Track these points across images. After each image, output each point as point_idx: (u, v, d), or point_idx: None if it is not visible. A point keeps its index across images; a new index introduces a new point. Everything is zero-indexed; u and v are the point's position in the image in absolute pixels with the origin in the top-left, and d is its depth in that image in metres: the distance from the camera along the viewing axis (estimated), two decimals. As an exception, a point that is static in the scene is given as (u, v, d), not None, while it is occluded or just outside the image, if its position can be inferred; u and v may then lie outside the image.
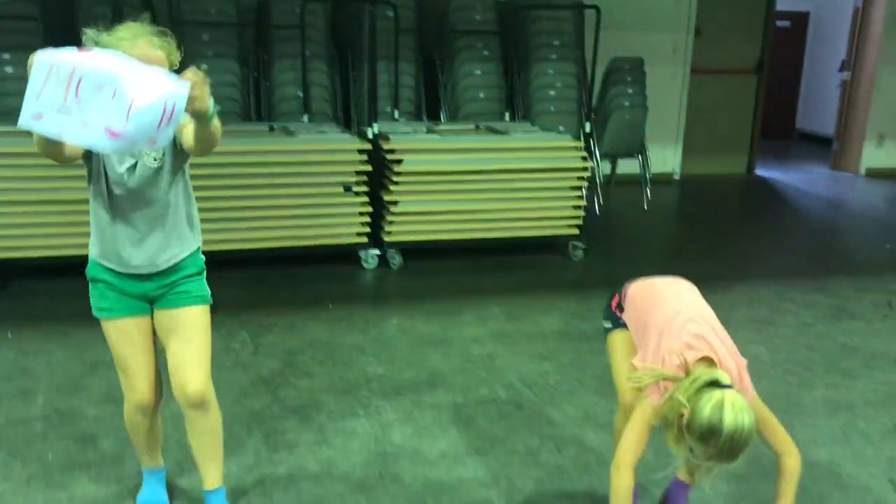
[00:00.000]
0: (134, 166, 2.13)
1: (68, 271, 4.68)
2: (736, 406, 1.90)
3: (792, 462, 2.16)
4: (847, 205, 7.59)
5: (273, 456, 2.83)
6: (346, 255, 5.01)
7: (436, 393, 3.37)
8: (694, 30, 7.89)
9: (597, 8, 5.82)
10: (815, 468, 2.84)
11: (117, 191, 2.14)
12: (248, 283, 4.63)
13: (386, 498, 2.61)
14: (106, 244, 2.19)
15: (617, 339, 2.42)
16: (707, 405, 1.89)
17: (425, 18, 6.18)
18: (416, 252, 5.09)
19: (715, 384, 1.94)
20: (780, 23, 9.37)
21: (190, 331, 2.26)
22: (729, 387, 1.95)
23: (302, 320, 4.13)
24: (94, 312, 2.30)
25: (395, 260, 5.02)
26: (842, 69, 8.94)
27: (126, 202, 2.15)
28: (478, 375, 3.55)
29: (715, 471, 2.00)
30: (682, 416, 1.93)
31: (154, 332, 2.31)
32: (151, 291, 2.25)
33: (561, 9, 6.51)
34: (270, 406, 3.21)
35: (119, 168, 2.12)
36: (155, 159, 2.15)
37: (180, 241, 2.25)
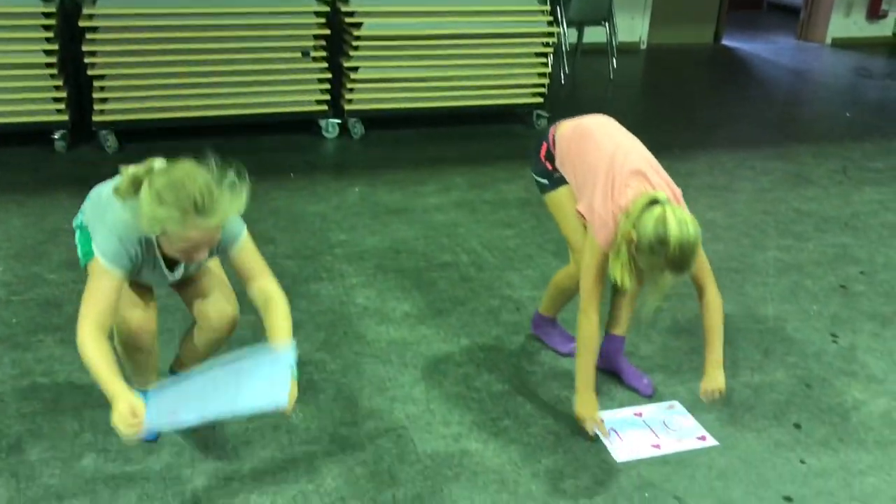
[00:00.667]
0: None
1: (20, 140, 4.57)
2: (678, 215, 2.00)
3: (715, 298, 2.26)
4: (811, 74, 7.57)
5: (240, 318, 2.86)
6: (306, 125, 4.92)
7: (399, 258, 3.41)
8: None
9: None
10: (762, 323, 2.97)
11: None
12: (206, 151, 4.53)
13: (351, 354, 2.68)
14: None
15: (559, 196, 2.44)
16: (650, 221, 1.99)
17: None
18: (377, 121, 5.01)
19: (654, 202, 2.02)
20: None
21: (208, 269, 2.23)
22: (667, 202, 2.03)
23: (263, 189, 4.09)
24: (84, 257, 2.14)
25: (356, 129, 4.94)
26: (814, -66, 8.71)
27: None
28: (440, 242, 3.59)
29: (664, 287, 2.08)
30: (631, 241, 2.02)
31: None
32: None
33: None
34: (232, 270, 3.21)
35: (170, 277, 2.10)
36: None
37: None
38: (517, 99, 5.21)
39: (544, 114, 5.25)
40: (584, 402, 2.26)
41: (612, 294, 2.51)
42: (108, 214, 1.99)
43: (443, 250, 3.50)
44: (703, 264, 2.22)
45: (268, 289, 2.11)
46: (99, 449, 2.17)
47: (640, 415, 2.40)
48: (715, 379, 2.23)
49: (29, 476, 2.07)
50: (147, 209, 1.84)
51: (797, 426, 2.40)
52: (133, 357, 2.17)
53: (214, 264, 2.30)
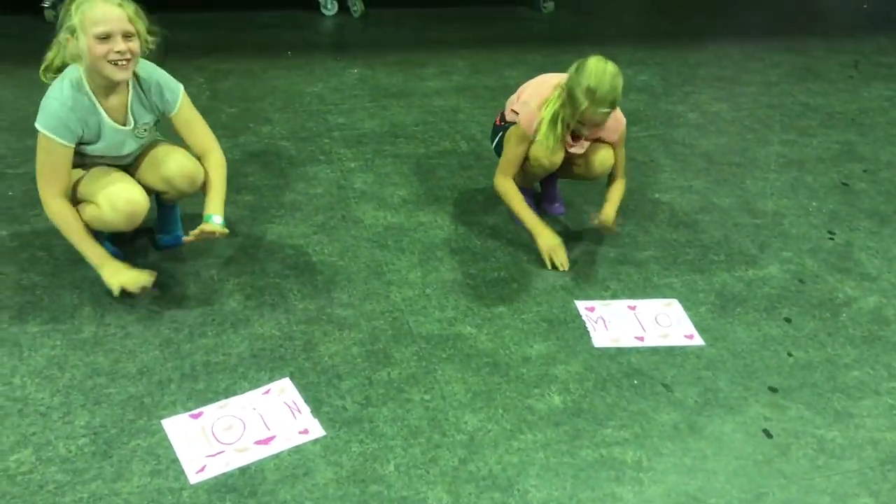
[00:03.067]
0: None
1: (8, 8, 4.40)
2: (597, 59, 2.38)
3: (623, 182, 2.70)
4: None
5: (236, 198, 2.86)
6: (304, 0, 4.74)
7: (397, 143, 3.37)
8: None
9: None
10: (760, 218, 2.97)
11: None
12: (201, 25, 4.40)
13: (348, 238, 2.68)
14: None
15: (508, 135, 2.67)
16: (575, 72, 2.38)
17: None
18: (378, -1, 4.84)
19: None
20: None
21: (154, 143, 2.34)
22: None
23: (260, 67, 3.99)
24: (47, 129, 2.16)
25: (356, 6, 4.77)
26: None
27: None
28: (440, 128, 3.53)
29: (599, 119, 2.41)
30: (560, 96, 2.44)
31: None
32: None
33: None
34: (232, 150, 3.18)
35: (123, 130, 2.21)
36: (145, 131, 2.26)
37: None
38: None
39: (551, -4, 5.06)
40: (545, 235, 2.58)
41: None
42: (44, 99, 2.12)
43: (442, 136, 3.45)
44: (622, 159, 2.67)
45: (207, 146, 2.34)
46: (98, 322, 2.20)
47: (634, 308, 2.43)
48: (607, 214, 2.59)
49: (31, 346, 2.11)
50: (62, 16, 2.04)
51: (787, 320, 2.43)
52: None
53: (158, 142, 2.39)
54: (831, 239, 2.87)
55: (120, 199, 2.17)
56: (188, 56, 3.91)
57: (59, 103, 2.09)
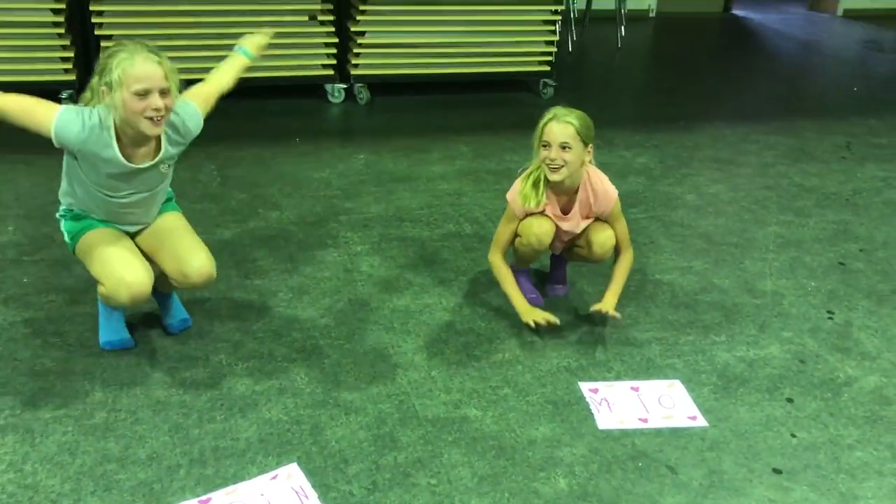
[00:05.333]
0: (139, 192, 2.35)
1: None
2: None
3: (629, 256, 2.78)
4: (820, 46, 7.53)
5: (245, 282, 2.93)
6: (312, 89, 4.92)
7: (403, 227, 3.45)
8: None
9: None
10: (760, 298, 3.02)
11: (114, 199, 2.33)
12: (212, 114, 4.53)
13: (354, 321, 2.74)
14: (92, 210, 2.38)
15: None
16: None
17: None
18: (383, 87, 5.02)
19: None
20: None
21: (177, 228, 2.45)
22: None
23: (269, 154, 4.13)
24: (71, 241, 2.38)
25: (362, 95, 4.95)
26: None
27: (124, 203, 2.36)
28: (444, 211, 3.63)
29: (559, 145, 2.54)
30: (536, 164, 2.63)
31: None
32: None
33: None
34: (241, 236, 3.27)
35: (126, 165, 2.26)
36: (168, 167, 2.37)
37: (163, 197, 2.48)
38: (524, 67, 5.21)
39: (551, 82, 5.25)
40: (525, 309, 2.69)
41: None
42: None
43: (447, 220, 3.54)
44: (623, 232, 2.75)
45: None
46: (109, 408, 2.24)
47: (637, 389, 2.46)
48: (608, 302, 2.67)
49: (43, 432, 2.14)
50: (101, 67, 2.14)
51: (790, 400, 2.46)
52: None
53: (182, 225, 2.47)
54: (830, 318, 2.92)
55: (123, 284, 2.24)
56: (199, 144, 3.98)
57: (79, 123, 2.15)
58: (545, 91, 5.27)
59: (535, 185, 2.64)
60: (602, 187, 2.65)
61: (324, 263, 3.11)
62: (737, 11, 8.39)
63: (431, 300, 2.89)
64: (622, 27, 6.69)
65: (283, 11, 4.60)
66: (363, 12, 4.69)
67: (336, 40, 4.74)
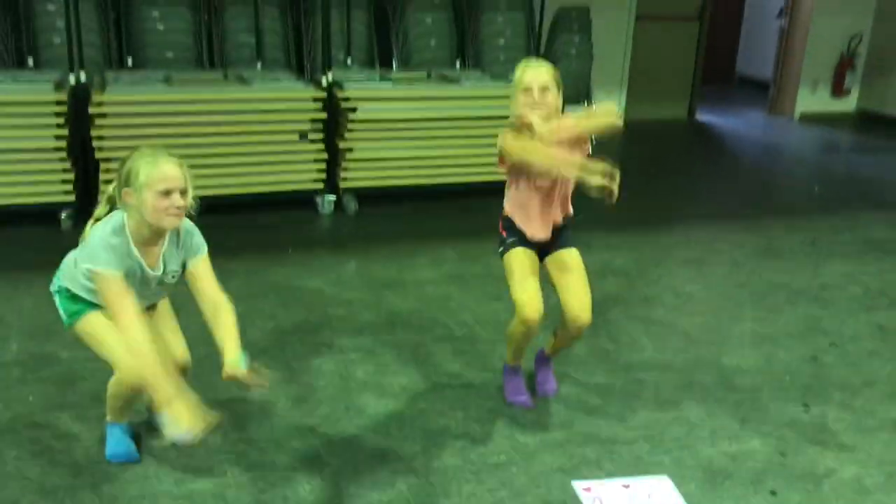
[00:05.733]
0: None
1: (28, 220, 4.75)
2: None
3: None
4: (781, 148, 7.95)
5: (244, 394, 3.02)
6: (302, 201, 5.14)
7: (395, 332, 3.59)
8: (639, -25, 8.05)
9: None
10: (739, 393, 3.16)
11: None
12: (207, 230, 4.70)
13: (352, 428, 2.83)
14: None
15: (510, 257, 2.84)
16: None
17: (376, -36, 6.21)
18: (370, 197, 5.25)
19: None
20: (721, -32, 9.57)
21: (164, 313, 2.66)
22: None
23: (262, 266, 4.28)
24: (69, 319, 2.52)
25: (351, 205, 5.17)
26: (779, 15, 9.22)
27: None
28: (433, 315, 3.78)
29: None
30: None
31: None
32: None
33: (510, -44, 6.58)
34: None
35: (152, 273, 2.48)
36: (173, 277, 2.54)
37: None
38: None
39: (529, 190, 5.52)
40: (568, 161, 2.66)
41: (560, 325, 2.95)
42: (86, 248, 2.39)
43: (436, 324, 3.69)
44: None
45: (217, 299, 2.51)
46: (119, 522, 2.30)
47: (628, 486, 2.56)
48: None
49: (53, 549, 2.19)
50: (124, 174, 2.34)
51: (773, 493, 2.56)
52: (126, 396, 2.51)
53: (168, 310, 2.67)
54: (806, 412, 3.06)
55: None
56: (196, 257, 4.20)
57: (102, 243, 2.34)
58: (524, 198, 5.52)
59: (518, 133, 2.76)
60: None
61: (320, 372, 3.22)
62: (700, 117, 8.86)
63: (426, 405, 3.00)
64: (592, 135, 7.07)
65: (276, 131, 4.86)
66: (351, 130, 4.97)
67: (326, 156, 4.99)
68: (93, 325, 2.48)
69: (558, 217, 2.90)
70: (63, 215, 4.60)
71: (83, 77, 4.67)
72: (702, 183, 6.45)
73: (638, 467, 2.67)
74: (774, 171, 7.21)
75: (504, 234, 2.91)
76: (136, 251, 2.40)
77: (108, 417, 2.61)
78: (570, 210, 2.96)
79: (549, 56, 6.72)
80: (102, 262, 2.33)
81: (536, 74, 2.78)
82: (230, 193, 4.87)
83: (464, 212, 5.34)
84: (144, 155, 2.38)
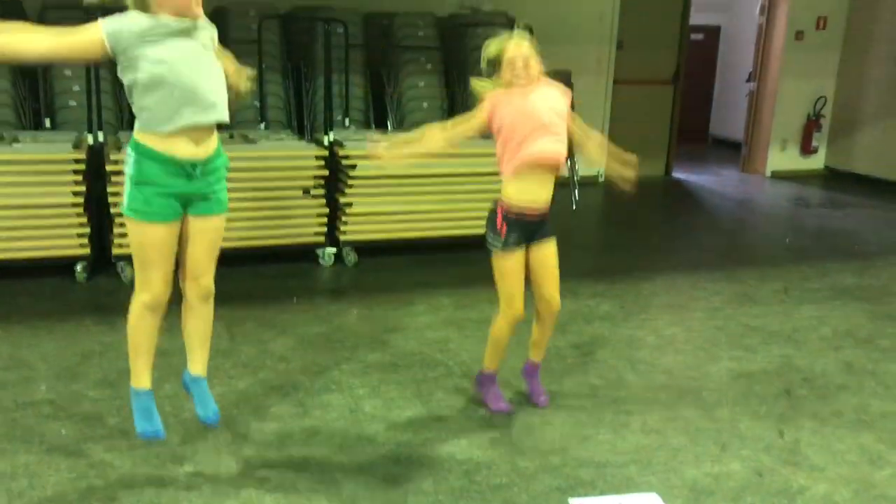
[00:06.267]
0: None
1: (45, 271, 4.98)
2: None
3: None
4: (753, 204, 8.38)
5: (262, 426, 3.25)
6: (303, 253, 5.42)
7: (399, 371, 3.84)
8: (616, 43, 8.57)
9: (529, 27, 6.36)
10: (719, 423, 3.43)
11: None
12: (217, 280, 4.98)
13: (364, 456, 3.06)
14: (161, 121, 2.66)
15: (508, 261, 3.21)
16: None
17: (372, 34, 6.62)
18: (369, 249, 5.54)
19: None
20: (693, 36, 10.17)
21: (215, 237, 2.85)
22: None
23: (271, 313, 4.53)
24: (128, 212, 2.68)
25: (350, 257, 5.45)
26: (749, 80, 9.77)
27: None
28: (434, 357, 4.03)
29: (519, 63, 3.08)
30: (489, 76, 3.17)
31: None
32: (197, 191, 2.72)
33: (496, 26, 7.04)
34: (253, 385, 3.62)
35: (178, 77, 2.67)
36: (211, 39, 2.76)
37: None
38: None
39: (518, 242, 5.84)
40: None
41: (533, 320, 3.37)
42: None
43: (437, 364, 3.94)
44: (582, 125, 3.29)
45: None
46: (156, 538, 2.51)
47: (621, 503, 2.81)
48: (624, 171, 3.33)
49: (99, 562, 2.39)
50: None
51: (752, 508, 2.82)
52: (142, 331, 2.77)
53: (212, 239, 2.85)
54: (781, 438, 3.32)
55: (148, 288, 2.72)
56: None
57: (124, 21, 2.51)
58: (513, 249, 5.84)
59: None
60: (558, 86, 3.19)
61: (331, 406, 3.45)
62: (677, 174, 9.31)
63: (431, 434, 3.24)
64: (576, 191, 7.44)
65: (281, 187, 5.17)
66: (351, 186, 5.29)
67: (327, 211, 5.29)
68: (137, 238, 2.72)
69: (551, 192, 3.25)
70: (78, 267, 4.84)
71: (100, 137, 4.96)
72: (680, 236, 6.82)
73: (629, 487, 2.92)
74: (748, 225, 7.60)
75: (503, 229, 3.19)
76: (160, 14, 2.53)
77: (132, 381, 2.85)
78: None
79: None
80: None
81: (518, 47, 3.05)
82: (238, 246, 5.13)
83: (458, 262, 5.64)
84: None
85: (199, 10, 2.63)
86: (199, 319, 2.92)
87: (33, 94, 5.56)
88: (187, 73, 2.58)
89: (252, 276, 5.14)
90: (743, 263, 5.96)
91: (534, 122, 3.07)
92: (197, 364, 2.97)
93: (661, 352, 4.20)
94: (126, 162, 2.67)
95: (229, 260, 5.33)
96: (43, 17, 5.50)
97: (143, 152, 2.62)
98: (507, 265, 3.20)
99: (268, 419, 3.32)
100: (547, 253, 3.26)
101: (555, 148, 3.11)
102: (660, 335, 4.43)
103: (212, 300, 2.93)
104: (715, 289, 5.29)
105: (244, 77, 2.97)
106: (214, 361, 3.83)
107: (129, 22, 2.54)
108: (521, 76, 3.06)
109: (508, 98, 3.11)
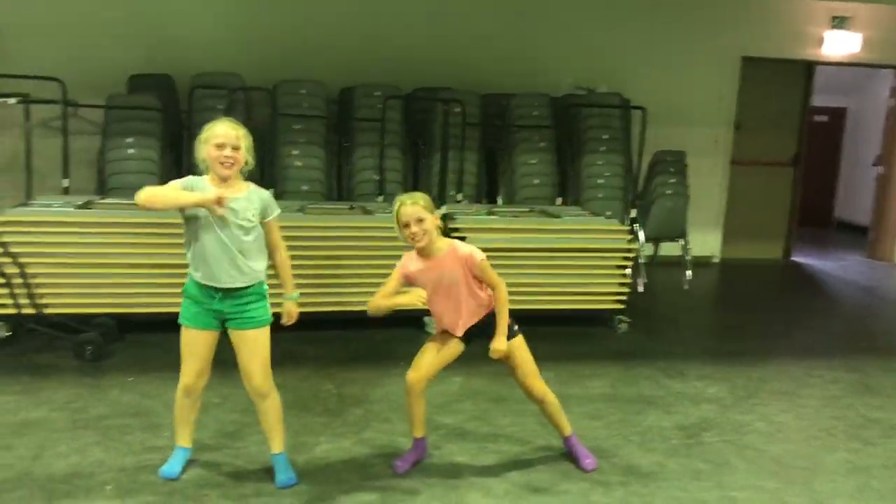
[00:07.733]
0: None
1: (173, 325, 5.34)
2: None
3: (500, 293, 3.49)
4: (879, 291, 7.98)
5: (366, 483, 3.37)
6: (409, 320, 5.59)
7: (498, 441, 3.88)
8: (734, 124, 8.51)
9: (643, 109, 6.47)
10: (830, 516, 3.28)
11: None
12: (326, 341, 5.23)
13: (460, 521, 3.11)
14: (199, 265, 3.18)
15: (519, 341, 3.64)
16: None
17: (489, 113, 6.90)
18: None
19: None
20: (817, 117, 9.98)
21: (253, 347, 3.22)
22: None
23: (377, 376, 4.70)
24: (179, 320, 3.24)
25: (457, 327, 5.57)
26: (876, 163, 9.43)
27: None
28: (533, 429, 4.06)
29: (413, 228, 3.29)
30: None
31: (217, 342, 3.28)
32: (223, 309, 3.18)
33: (610, 107, 7.19)
34: (357, 445, 3.75)
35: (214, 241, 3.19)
36: (249, 221, 3.16)
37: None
38: (600, 304, 5.81)
39: (624, 318, 5.81)
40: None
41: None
42: None
43: (536, 436, 3.96)
44: (489, 278, 3.48)
45: (282, 256, 3.34)
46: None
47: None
48: (499, 342, 3.43)
49: None
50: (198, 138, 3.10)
51: None
52: (180, 406, 3.36)
53: (255, 346, 3.22)
54: (899, 537, 3.14)
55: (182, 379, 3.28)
56: (318, 366, 4.66)
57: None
58: (620, 326, 5.81)
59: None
60: (466, 248, 3.40)
61: (429, 471, 3.53)
62: (796, 258, 9.00)
63: (535, 499, 3.26)
64: (688, 271, 7.34)
65: (394, 256, 5.39)
66: (460, 257, 5.46)
67: (435, 280, 5.47)
68: (182, 336, 3.30)
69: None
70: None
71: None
72: (796, 320, 6.58)
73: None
74: (872, 312, 7.24)
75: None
76: (208, 184, 3.06)
77: (174, 438, 3.44)
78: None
79: (646, 195, 7.16)
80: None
81: (411, 210, 3.23)
82: (348, 310, 5.38)
83: (561, 337, 5.66)
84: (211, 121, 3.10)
85: (229, 173, 3.08)
86: (261, 413, 3.33)
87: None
88: (209, 245, 3.11)
89: (362, 341, 5.33)
90: (863, 352, 5.68)
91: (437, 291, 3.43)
92: (274, 445, 3.37)
93: (770, 438, 4.05)
94: None
95: (340, 323, 5.63)
96: (192, 96, 6.08)
97: (190, 273, 3.21)
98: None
99: (372, 478, 3.43)
100: (513, 350, 3.66)
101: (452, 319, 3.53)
102: (770, 421, 4.28)
103: (270, 398, 3.29)
104: (831, 377, 5.07)
105: (288, 275, 3.39)
106: (323, 419, 4.00)
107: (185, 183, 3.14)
108: (418, 237, 3.27)
109: (415, 264, 3.44)
